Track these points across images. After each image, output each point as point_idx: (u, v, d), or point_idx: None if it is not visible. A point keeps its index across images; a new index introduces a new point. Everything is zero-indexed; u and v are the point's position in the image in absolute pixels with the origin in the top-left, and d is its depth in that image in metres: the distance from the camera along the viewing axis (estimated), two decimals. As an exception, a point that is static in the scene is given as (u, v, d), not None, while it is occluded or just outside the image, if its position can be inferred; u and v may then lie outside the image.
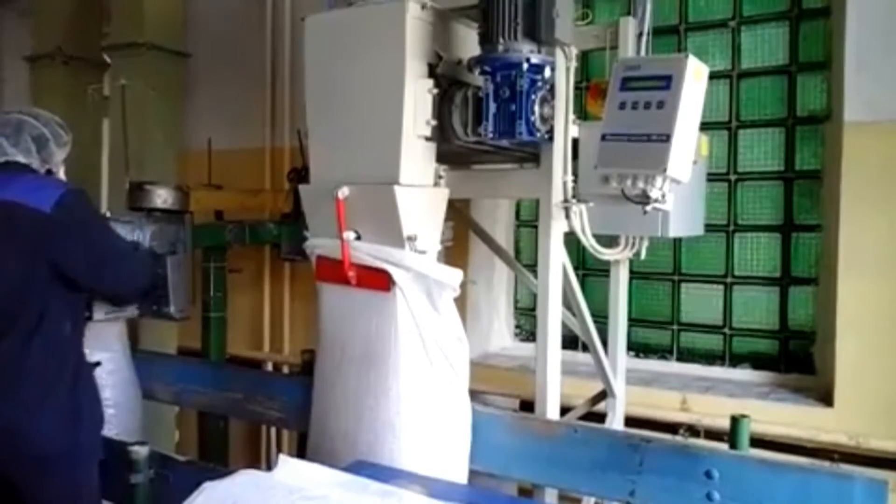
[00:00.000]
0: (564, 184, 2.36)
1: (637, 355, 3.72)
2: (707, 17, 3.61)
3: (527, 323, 4.17)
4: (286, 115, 4.48)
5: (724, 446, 2.50)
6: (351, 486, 1.75)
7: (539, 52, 2.15)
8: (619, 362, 2.96)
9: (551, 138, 2.29)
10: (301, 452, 2.63)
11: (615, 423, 2.92)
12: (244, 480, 1.74)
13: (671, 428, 3.20)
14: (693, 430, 3.19)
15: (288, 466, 1.83)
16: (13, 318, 2.15)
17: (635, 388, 3.22)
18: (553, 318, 2.41)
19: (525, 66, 2.11)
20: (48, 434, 2.13)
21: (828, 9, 3.28)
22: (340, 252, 2.21)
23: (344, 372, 2.30)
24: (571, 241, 2.47)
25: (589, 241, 2.49)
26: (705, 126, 2.36)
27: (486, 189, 2.78)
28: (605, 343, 2.89)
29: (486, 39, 2.18)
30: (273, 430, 4.56)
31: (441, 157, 2.36)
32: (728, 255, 3.55)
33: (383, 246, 2.18)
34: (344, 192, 2.17)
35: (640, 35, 2.63)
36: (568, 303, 2.64)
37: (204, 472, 2.12)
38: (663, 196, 2.07)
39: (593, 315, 2.75)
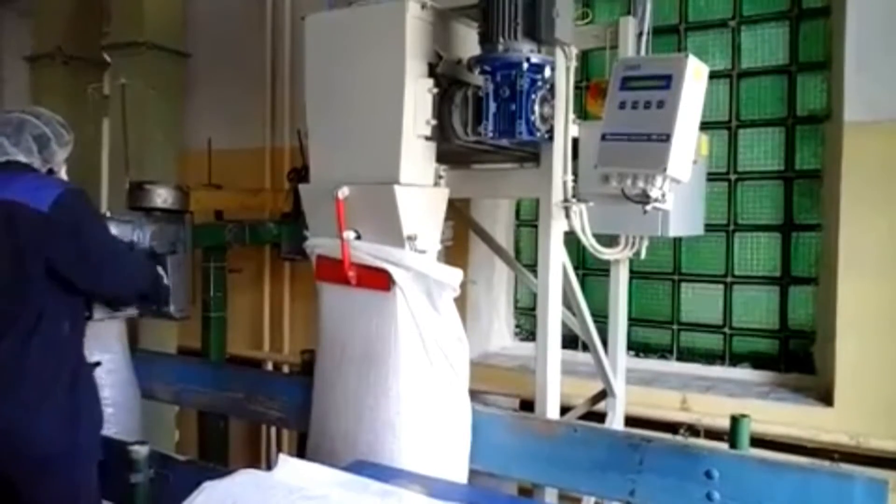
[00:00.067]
0: (564, 183, 2.36)
1: (637, 355, 3.72)
2: (707, 17, 3.61)
3: (527, 323, 4.17)
4: (286, 115, 4.48)
5: (724, 446, 2.49)
6: (351, 485, 1.75)
7: (539, 51, 2.15)
8: (619, 362, 2.96)
9: (551, 138, 2.29)
10: (301, 452, 2.63)
11: (615, 422, 2.92)
12: (244, 480, 1.74)
13: (671, 428, 3.20)
14: (693, 430, 3.19)
15: (288, 466, 1.83)
16: (12, 319, 2.15)
17: (635, 388, 3.22)
18: (553, 318, 2.41)
19: (525, 65, 2.11)
20: (47, 434, 2.13)
21: (828, 9, 3.28)
22: (340, 252, 2.21)
23: (344, 372, 2.30)
24: (571, 240, 2.47)
25: (589, 241, 2.50)
26: (705, 126, 2.36)
27: (486, 189, 2.78)
28: (605, 343, 2.89)
29: (486, 39, 2.18)
30: (273, 430, 4.56)
31: (441, 157, 2.36)
32: (728, 254, 3.55)
33: (383, 246, 2.18)
34: (344, 191, 2.17)
35: (640, 35, 2.63)
36: (568, 302, 2.64)
37: (204, 471, 2.12)
38: (663, 196, 2.07)
39: (593, 315, 2.75)
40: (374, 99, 2.20)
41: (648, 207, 2.09)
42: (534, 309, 3.15)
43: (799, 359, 3.41)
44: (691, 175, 2.11)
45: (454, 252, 2.98)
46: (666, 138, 1.98)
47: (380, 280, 2.19)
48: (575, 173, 2.37)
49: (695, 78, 2.04)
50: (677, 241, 3.63)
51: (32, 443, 2.11)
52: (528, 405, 2.78)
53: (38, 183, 2.22)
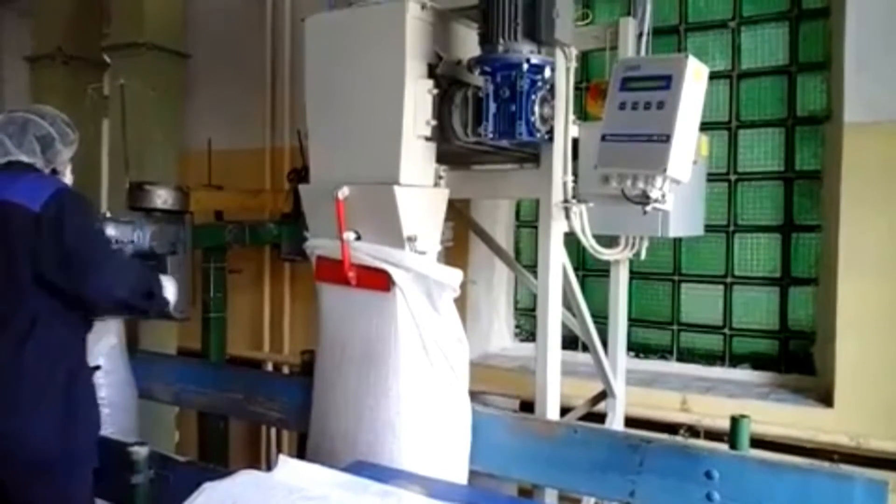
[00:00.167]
0: (564, 184, 2.36)
1: (637, 355, 3.72)
2: (707, 17, 3.61)
3: (527, 323, 4.17)
4: (286, 115, 4.48)
5: (724, 447, 2.49)
6: (351, 486, 1.75)
7: (539, 52, 2.15)
8: (619, 362, 2.96)
9: (551, 138, 2.29)
10: (301, 453, 2.63)
11: (615, 423, 2.92)
12: (244, 481, 1.74)
13: (671, 428, 3.20)
14: (693, 431, 3.19)
15: (288, 467, 1.83)
16: (6, 322, 2.13)
17: (635, 389, 3.22)
18: (553, 319, 2.41)
19: (525, 66, 2.11)
20: (41, 440, 2.11)
21: (828, 9, 3.28)
22: (340, 252, 2.21)
23: (344, 372, 2.30)
24: (571, 241, 2.47)
25: (589, 242, 2.49)
26: (705, 126, 2.36)
27: (486, 189, 2.78)
28: (605, 343, 2.89)
29: (486, 40, 2.18)
30: (273, 431, 4.56)
31: (441, 158, 2.36)
32: (728, 255, 3.55)
33: (383, 246, 2.18)
34: (344, 192, 2.17)
35: (640, 35, 2.63)
36: (568, 303, 2.64)
37: (204, 472, 2.12)
38: (663, 196, 2.07)
39: (593, 315, 2.75)
40: (374, 99, 2.20)
41: (648, 208, 2.09)
42: (534, 309, 3.16)
43: (799, 359, 3.41)
44: (691, 176, 2.11)
45: (454, 253, 2.98)
46: (666, 139, 1.98)
47: (380, 281, 2.19)
48: (575, 174, 2.37)
49: (695, 78, 2.04)
50: (677, 242, 3.63)
51: (26, 448, 2.10)
52: (528, 406, 2.78)
53: (37, 183, 2.21)
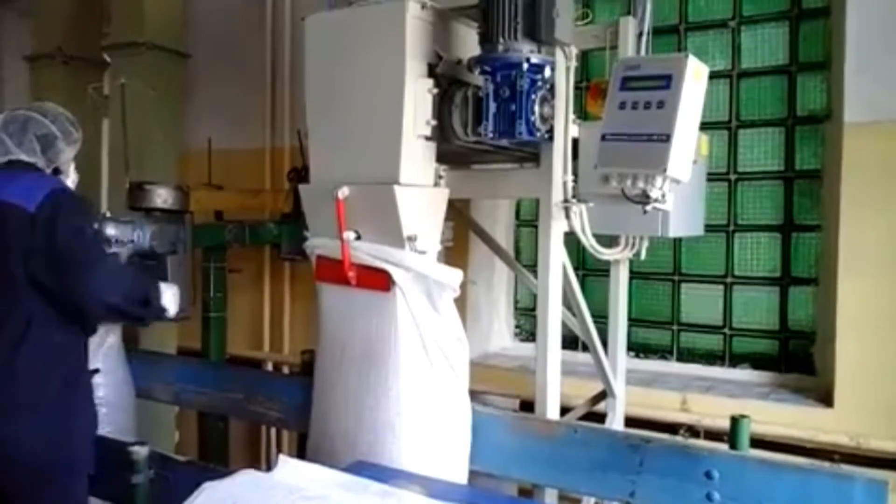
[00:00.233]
0: (564, 184, 2.36)
1: (637, 355, 3.72)
2: (707, 17, 3.61)
3: (527, 323, 4.17)
4: (286, 115, 4.48)
5: (724, 447, 2.49)
6: (351, 486, 1.75)
7: (539, 51, 2.15)
8: (619, 362, 2.96)
9: (551, 138, 2.29)
10: (301, 453, 2.63)
11: (615, 423, 2.92)
12: (244, 480, 1.74)
13: (671, 428, 3.20)
14: (693, 431, 3.19)
15: (288, 466, 1.83)
16: (1, 323, 2.11)
17: (635, 389, 3.22)
18: (553, 318, 2.41)
19: (525, 65, 2.11)
20: (32, 446, 2.09)
21: (828, 9, 3.28)
22: (340, 252, 2.21)
23: (344, 372, 2.30)
24: (571, 241, 2.47)
25: (589, 241, 2.49)
26: (705, 126, 2.36)
27: (486, 189, 2.78)
28: (605, 343, 2.89)
29: (486, 39, 2.17)
30: (273, 431, 4.56)
31: (441, 157, 2.36)
32: (728, 255, 3.55)
33: (383, 246, 2.18)
34: (344, 192, 2.17)
35: (640, 35, 2.63)
36: (568, 303, 2.63)
37: (204, 472, 2.11)
38: (663, 196, 2.07)
39: (593, 315, 2.75)
40: (374, 99, 2.20)
41: (648, 208, 2.09)
42: (534, 309, 3.16)
43: (799, 359, 3.41)
44: (691, 175, 2.11)
45: (454, 252, 2.98)
46: (666, 138, 1.97)
47: (380, 280, 2.19)
48: (575, 173, 2.37)
49: (695, 78, 2.04)
50: (677, 242, 3.63)
51: (19, 452, 2.08)
52: (528, 406, 2.78)
53: (34, 183, 2.18)
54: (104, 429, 2.49)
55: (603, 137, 2.09)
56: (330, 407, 2.36)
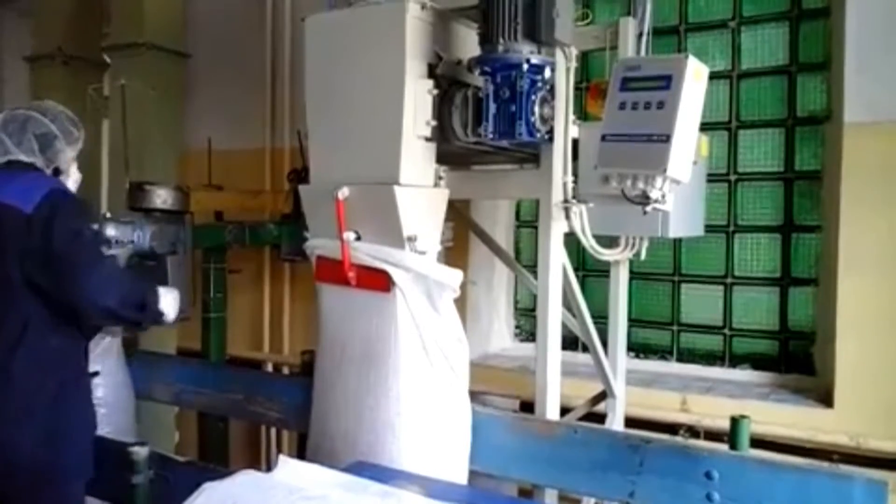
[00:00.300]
0: (564, 184, 2.36)
1: (637, 356, 3.72)
2: (707, 18, 3.61)
3: (527, 323, 4.17)
4: (286, 115, 4.48)
5: (724, 447, 2.49)
6: (351, 486, 1.75)
7: (539, 52, 2.15)
8: (619, 363, 2.96)
9: (551, 139, 2.29)
10: (301, 453, 2.63)
11: (615, 423, 2.92)
12: (244, 481, 1.74)
13: (671, 429, 3.20)
14: (693, 431, 3.19)
15: (288, 467, 1.83)
16: None
17: (635, 389, 3.22)
18: (553, 319, 2.41)
19: (525, 66, 2.11)
20: (29, 448, 2.07)
21: (828, 9, 3.28)
22: (340, 252, 2.21)
23: (344, 372, 2.30)
24: (571, 241, 2.47)
25: (589, 242, 2.49)
26: (705, 126, 2.36)
27: (486, 189, 2.78)
28: (605, 343, 2.89)
29: (486, 40, 2.18)
30: (273, 431, 4.55)
31: (441, 158, 2.36)
32: (728, 255, 3.56)
33: (383, 246, 2.18)
34: (344, 192, 2.17)
35: (640, 35, 2.63)
36: (568, 303, 2.63)
37: (204, 472, 2.11)
38: (663, 196, 2.07)
39: (593, 315, 2.75)
40: (374, 99, 2.20)
41: (648, 208, 2.09)
42: (534, 310, 3.16)
43: (799, 360, 3.41)
44: (691, 176, 2.11)
45: (454, 253, 2.98)
46: (666, 139, 1.97)
47: (380, 281, 2.19)
48: (575, 174, 2.37)
49: (695, 78, 2.04)
50: (677, 242, 3.63)
51: (15, 457, 2.06)
52: (528, 406, 2.77)
53: (32, 184, 2.15)
54: (103, 429, 2.49)
55: (603, 138, 2.09)
56: (330, 407, 2.36)
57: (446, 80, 2.28)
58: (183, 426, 4.28)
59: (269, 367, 4.54)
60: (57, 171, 2.29)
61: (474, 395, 2.42)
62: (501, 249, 3.41)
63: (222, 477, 1.74)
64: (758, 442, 2.74)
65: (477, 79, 2.22)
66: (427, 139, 2.24)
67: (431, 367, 2.22)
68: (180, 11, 4.69)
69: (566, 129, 2.32)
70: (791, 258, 3.42)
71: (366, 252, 2.19)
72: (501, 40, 2.12)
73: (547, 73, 2.18)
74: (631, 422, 3.09)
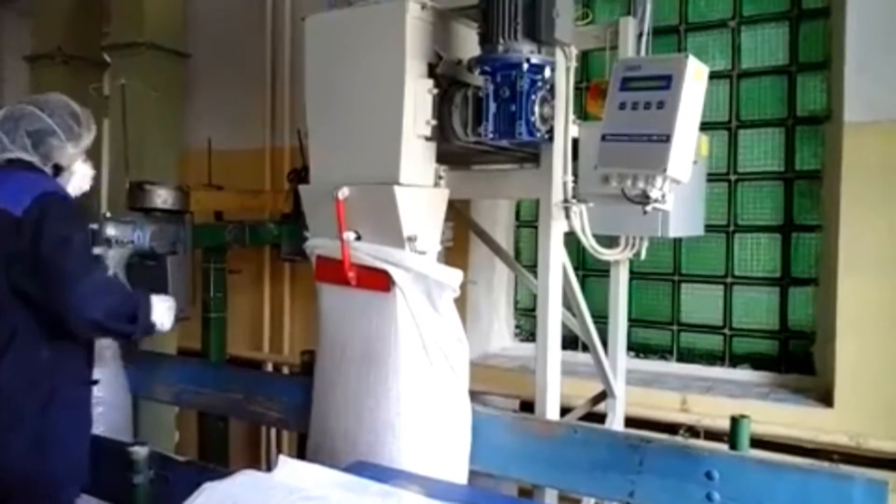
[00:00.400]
0: (564, 184, 2.35)
1: (637, 355, 3.72)
2: (707, 17, 3.61)
3: (527, 323, 4.17)
4: (286, 115, 4.48)
5: (724, 447, 2.49)
6: (351, 486, 1.75)
7: (539, 52, 2.15)
8: (619, 363, 2.96)
9: (551, 138, 2.29)
10: (301, 453, 2.63)
11: (615, 423, 2.92)
12: (244, 481, 1.74)
13: (671, 428, 3.20)
14: (693, 431, 3.19)
15: (288, 467, 1.83)
16: None
17: (635, 389, 3.22)
18: (553, 319, 2.41)
19: (525, 66, 2.11)
20: (16, 457, 2.03)
21: (828, 9, 3.28)
22: (340, 252, 2.21)
23: (344, 372, 2.30)
24: (571, 241, 2.47)
25: (589, 242, 2.49)
26: (705, 126, 2.36)
27: (486, 189, 2.78)
28: (605, 343, 2.89)
29: (486, 39, 2.18)
30: (273, 431, 4.56)
31: (441, 158, 2.36)
32: (728, 255, 3.56)
33: (383, 246, 2.18)
34: (344, 192, 2.17)
35: (640, 35, 2.63)
36: (568, 303, 2.63)
37: (204, 472, 2.11)
38: (663, 196, 2.07)
39: (593, 315, 2.75)
40: (374, 99, 2.20)
41: (648, 208, 2.09)
42: (534, 309, 3.15)
43: (799, 359, 3.41)
44: (691, 175, 2.11)
45: (454, 253, 2.98)
46: (666, 139, 1.97)
47: (380, 281, 2.19)
48: (575, 174, 2.37)
49: (695, 78, 2.03)
50: (677, 242, 3.63)
51: (2, 466, 2.02)
52: (528, 406, 2.77)
53: (24, 184, 2.07)
54: (99, 428, 2.49)
55: (603, 138, 2.09)
56: (330, 407, 2.36)
57: (446, 79, 2.28)
58: (183, 426, 4.28)
59: (269, 367, 4.54)
60: (58, 169, 2.21)
61: (474, 395, 2.42)
62: (501, 249, 3.41)
63: (222, 477, 1.74)
64: (758, 442, 2.74)
65: (477, 78, 2.22)
66: (427, 139, 2.24)
67: (431, 366, 2.22)
68: (180, 11, 4.69)
69: (566, 128, 2.32)
70: (791, 258, 3.42)
71: (366, 252, 2.19)
72: (501, 40, 2.12)
73: (547, 72, 2.18)
74: (631, 422, 3.09)
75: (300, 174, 3.41)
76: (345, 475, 1.85)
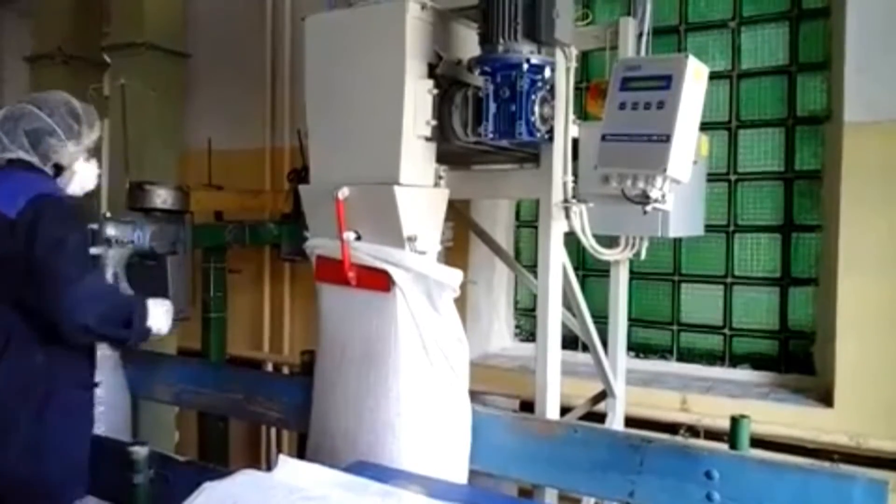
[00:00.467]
0: (564, 184, 2.35)
1: (637, 355, 3.72)
2: (707, 17, 3.62)
3: (527, 323, 4.17)
4: (286, 115, 4.48)
5: (724, 447, 2.49)
6: (351, 486, 1.75)
7: (539, 52, 2.15)
8: (619, 362, 2.96)
9: (551, 138, 2.29)
10: (301, 453, 2.63)
11: (615, 423, 2.92)
12: (244, 480, 1.74)
13: (671, 428, 3.20)
14: (693, 431, 3.19)
15: (288, 466, 1.83)
16: None
17: (635, 389, 3.22)
18: (553, 319, 2.41)
19: (525, 66, 2.11)
20: (10, 462, 2.02)
21: (828, 9, 3.28)
22: (340, 252, 2.21)
23: (344, 372, 2.30)
24: (571, 241, 2.47)
25: (589, 242, 2.49)
26: (705, 126, 2.36)
27: (486, 189, 2.78)
28: (605, 343, 2.89)
29: (486, 40, 2.17)
30: (273, 431, 4.56)
31: (441, 158, 2.36)
32: (728, 255, 3.56)
33: (383, 246, 2.17)
34: (344, 192, 2.17)
35: (640, 35, 2.63)
36: (568, 303, 2.63)
37: (204, 472, 2.11)
38: (663, 196, 2.07)
39: (593, 315, 2.75)
40: (374, 99, 2.20)
41: (648, 208, 2.09)
42: (534, 309, 3.15)
43: (799, 359, 3.41)
44: (691, 176, 2.11)
45: (454, 253, 2.98)
46: (666, 139, 1.97)
47: (380, 281, 2.19)
48: (575, 174, 2.37)
49: (695, 78, 2.04)
50: (677, 242, 3.63)
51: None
52: (528, 406, 2.77)
53: (21, 185, 2.05)
54: (99, 428, 2.49)
55: (603, 138, 2.09)
56: (330, 407, 2.36)
57: (446, 79, 2.28)
58: (183, 426, 4.27)
59: (270, 367, 4.54)
60: (59, 169, 2.19)
61: (474, 395, 2.42)
62: (501, 249, 3.41)
63: (222, 476, 1.74)
64: (758, 442, 2.74)
65: (477, 79, 2.22)
66: (427, 139, 2.24)
67: (431, 366, 2.22)
68: (180, 11, 4.69)
69: (566, 128, 2.32)
70: (791, 258, 3.42)
71: (366, 252, 2.19)
72: (501, 40, 2.12)
73: (547, 72, 2.18)
74: (631, 421, 3.09)
75: (300, 174, 3.41)
76: (345, 475, 1.85)
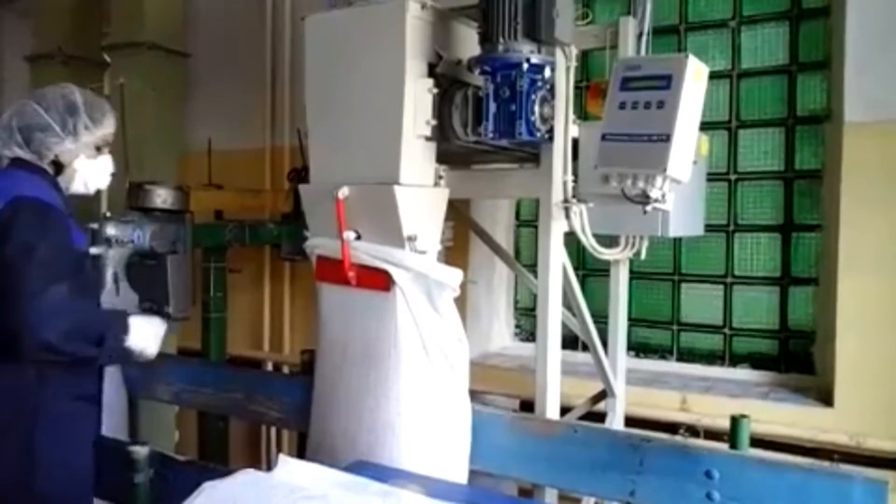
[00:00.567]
0: (564, 184, 2.35)
1: (637, 355, 3.72)
2: (707, 17, 3.62)
3: (527, 323, 4.17)
4: (286, 115, 4.48)
5: (724, 446, 2.49)
6: (351, 486, 1.75)
7: (539, 52, 2.15)
8: (619, 362, 2.96)
9: (551, 138, 2.28)
10: (301, 452, 2.63)
11: (615, 422, 2.92)
12: (244, 480, 1.74)
13: (671, 428, 3.20)
14: (693, 431, 3.19)
15: (288, 466, 1.83)
16: None
17: (635, 388, 3.22)
18: (553, 318, 2.41)
19: (525, 66, 2.11)
20: (2, 478, 1.99)
21: (828, 9, 3.28)
22: (340, 252, 2.21)
23: (344, 373, 2.30)
24: (571, 241, 2.47)
25: (589, 241, 2.49)
26: (705, 126, 2.36)
27: (486, 189, 2.78)
28: (605, 343, 2.89)
29: (486, 39, 2.17)
30: (273, 430, 4.56)
31: (441, 157, 2.36)
32: (728, 255, 3.56)
33: (383, 246, 2.17)
34: (344, 192, 2.17)
35: (640, 35, 2.63)
36: (568, 303, 2.63)
37: (204, 472, 2.11)
38: (663, 196, 2.07)
39: (593, 315, 2.75)
40: (374, 99, 2.20)
41: (648, 208, 2.09)
42: (534, 309, 3.15)
43: (799, 359, 3.41)
44: (691, 175, 2.11)
45: (454, 253, 2.98)
46: (666, 139, 1.97)
47: (380, 280, 2.19)
48: (575, 174, 2.37)
49: (695, 78, 2.04)
50: (677, 242, 3.63)
51: None
52: (528, 405, 2.78)
53: (7, 186, 1.97)
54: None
55: (603, 137, 2.09)
56: (330, 408, 2.36)
57: (446, 79, 2.28)
58: (183, 426, 4.27)
59: (270, 367, 4.54)
60: (59, 167, 2.12)
61: (474, 395, 2.42)
62: (501, 249, 3.41)
63: (222, 476, 1.74)
64: (758, 441, 2.75)
65: (477, 78, 2.22)
66: (427, 139, 2.24)
67: (431, 366, 2.22)
68: (180, 11, 4.70)
69: (566, 128, 2.32)
70: (791, 257, 3.42)
71: (366, 251, 2.19)
72: (501, 40, 2.11)
73: (547, 72, 2.18)
74: (631, 421, 3.09)
75: (300, 174, 3.42)
76: (345, 475, 1.85)
